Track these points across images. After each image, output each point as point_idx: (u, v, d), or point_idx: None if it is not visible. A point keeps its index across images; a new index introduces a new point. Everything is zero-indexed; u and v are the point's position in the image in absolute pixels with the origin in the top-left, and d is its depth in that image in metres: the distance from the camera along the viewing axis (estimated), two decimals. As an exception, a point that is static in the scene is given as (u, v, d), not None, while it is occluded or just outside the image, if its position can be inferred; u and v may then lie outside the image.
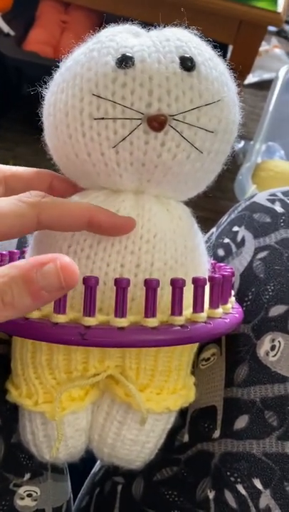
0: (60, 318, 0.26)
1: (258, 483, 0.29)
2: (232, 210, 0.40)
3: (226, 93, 0.28)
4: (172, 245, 0.28)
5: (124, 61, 0.26)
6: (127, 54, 0.27)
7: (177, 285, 0.27)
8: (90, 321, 0.26)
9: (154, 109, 0.26)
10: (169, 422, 0.32)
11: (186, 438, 0.33)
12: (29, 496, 0.34)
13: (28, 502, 0.34)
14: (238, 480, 0.30)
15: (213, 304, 0.28)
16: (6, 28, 1.03)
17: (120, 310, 0.26)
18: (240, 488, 0.30)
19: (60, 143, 0.29)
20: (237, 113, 0.30)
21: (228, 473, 0.30)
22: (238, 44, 0.97)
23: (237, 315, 0.30)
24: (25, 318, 0.27)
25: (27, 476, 0.35)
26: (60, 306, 0.26)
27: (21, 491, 0.34)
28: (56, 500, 0.36)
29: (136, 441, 0.31)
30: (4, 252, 0.34)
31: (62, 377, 0.30)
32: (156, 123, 0.26)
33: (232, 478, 0.30)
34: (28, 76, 1.01)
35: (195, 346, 0.32)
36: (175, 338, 0.27)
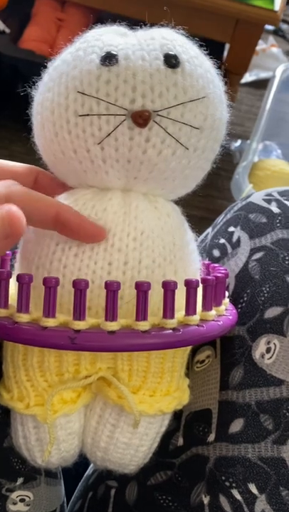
0: (50, 322, 0.26)
1: (253, 488, 0.29)
2: (228, 210, 0.39)
3: (211, 90, 0.28)
4: (160, 243, 0.28)
5: (108, 58, 0.27)
6: (112, 52, 0.27)
7: (169, 287, 0.26)
8: (80, 325, 0.25)
9: (138, 105, 0.26)
10: (163, 424, 0.32)
11: (180, 441, 0.33)
12: (22, 500, 0.34)
13: (20, 507, 0.34)
14: (233, 485, 0.29)
15: (207, 307, 0.28)
16: (2, 26, 1.03)
17: (111, 313, 0.26)
18: (235, 493, 0.29)
19: (47, 141, 0.29)
20: (224, 111, 0.30)
21: (223, 478, 0.30)
22: (235, 43, 0.96)
23: (231, 317, 0.30)
24: (14, 322, 0.26)
25: (20, 480, 0.34)
26: (49, 310, 0.26)
27: (14, 495, 0.34)
28: (49, 505, 0.36)
29: (129, 445, 0.31)
30: None
31: (54, 379, 0.30)
32: (141, 119, 0.26)
33: (227, 483, 0.30)
34: (23, 74, 1.01)
35: (188, 348, 0.32)
36: (167, 342, 0.26)
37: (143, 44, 0.28)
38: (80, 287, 0.26)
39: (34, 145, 0.31)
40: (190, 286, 0.27)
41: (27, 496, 0.34)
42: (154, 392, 0.30)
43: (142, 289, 0.26)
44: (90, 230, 0.27)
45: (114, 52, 0.27)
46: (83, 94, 0.27)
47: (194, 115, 0.27)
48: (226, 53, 1.02)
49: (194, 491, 0.31)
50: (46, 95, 0.29)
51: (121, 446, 0.31)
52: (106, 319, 0.26)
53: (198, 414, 0.32)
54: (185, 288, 0.27)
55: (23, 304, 0.26)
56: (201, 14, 0.92)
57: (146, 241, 0.28)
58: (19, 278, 0.26)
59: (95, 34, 0.29)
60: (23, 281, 0.26)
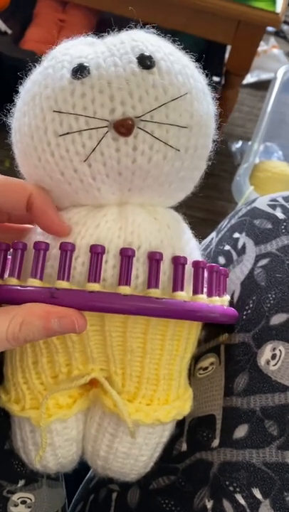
0: (35, 283, 0.26)
1: (257, 493, 0.29)
2: (232, 215, 0.39)
3: (192, 85, 0.27)
4: None
5: (79, 71, 0.26)
6: (82, 63, 0.26)
7: (154, 257, 0.26)
8: (63, 284, 0.26)
9: (118, 113, 0.25)
10: (163, 435, 0.32)
11: (184, 447, 0.33)
12: (23, 502, 0.34)
13: (21, 509, 0.34)
14: (237, 489, 0.29)
15: (196, 290, 0.28)
16: (3, 27, 1.02)
17: (93, 275, 0.26)
18: (239, 497, 0.29)
19: (31, 168, 0.28)
20: (210, 104, 0.29)
21: (227, 483, 0.30)
22: (237, 44, 0.96)
23: (225, 307, 0.30)
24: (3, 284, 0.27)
25: (21, 482, 0.34)
26: (36, 272, 0.26)
27: (15, 497, 0.34)
28: (51, 507, 0.36)
29: (129, 455, 0.31)
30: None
31: (49, 381, 0.30)
32: (123, 128, 0.25)
33: (231, 488, 0.30)
34: (24, 75, 1.00)
35: (186, 356, 0.31)
36: (145, 307, 0.26)
37: (113, 50, 0.26)
38: (66, 248, 0.26)
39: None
40: (177, 262, 0.27)
41: (28, 498, 0.34)
42: (150, 400, 0.30)
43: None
44: (54, 222, 0.27)
45: (85, 64, 0.26)
46: (60, 112, 0.26)
47: (179, 114, 0.26)
48: (227, 55, 1.02)
49: (198, 495, 0.31)
50: (22, 120, 0.27)
51: (120, 455, 0.31)
52: (89, 281, 0.26)
53: (202, 420, 0.32)
54: (172, 265, 0.27)
55: (14, 269, 0.27)
56: (203, 16, 0.92)
57: (143, 256, 0.27)
58: (14, 245, 0.27)
59: (61, 49, 0.28)
60: (18, 247, 0.27)
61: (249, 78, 1.36)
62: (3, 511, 0.33)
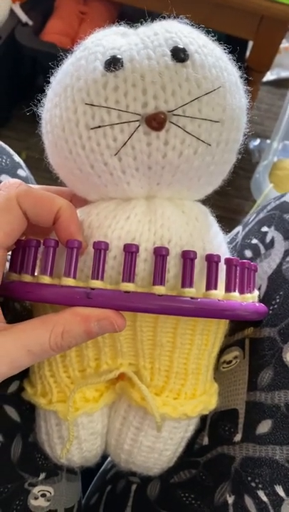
0: (69, 282, 0.25)
1: (280, 491, 0.28)
2: (260, 209, 0.38)
3: (226, 78, 0.27)
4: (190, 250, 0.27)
5: (113, 63, 0.25)
6: (115, 55, 0.25)
7: (188, 256, 0.26)
8: (97, 284, 0.25)
9: (150, 107, 0.25)
10: (188, 430, 0.31)
11: (205, 441, 0.33)
12: (43, 496, 0.34)
13: (41, 502, 0.34)
14: (260, 486, 0.29)
15: (229, 287, 0.27)
16: (24, 18, 1.02)
17: (127, 275, 0.25)
18: (261, 494, 0.29)
19: (62, 160, 0.28)
20: (243, 97, 0.28)
21: (249, 479, 0.29)
22: (259, 40, 0.95)
23: (257, 304, 0.29)
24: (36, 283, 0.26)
25: (42, 475, 0.34)
26: (70, 271, 0.26)
27: (36, 490, 0.34)
28: (68, 501, 0.36)
29: (153, 449, 0.30)
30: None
31: (76, 375, 0.30)
32: (156, 122, 0.25)
33: (253, 484, 0.29)
34: (43, 66, 1.00)
35: (214, 351, 0.31)
36: (180, 307, 0.25)
37: (147, 41, 0.26)
38: (99, 247, 0.25)
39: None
40: (211, 260, 0.26)
41: (48, 492, 0.34)
42: (178, 394, 0.29)
43: (160, 253, 0.25)
44: (73, 235, 0.26)
45: (118, 56, 0.25)
46: (92, 105, 0.25)
47: (212, 108, 0.26)
48: (248, 51, 1.01)
49: (218, 490, 0.31)
50: (54, 112, 0.27)
51: (145, 449, 0.30)
52: (123, 280, 0.25)
53: (225, 414, 0.32)
54: (206, 263, 0.26)
55: (46, 267, 0.26)
56: (224, 10, 0.91)
57: (175, 249, 0.26)
58: (45, 242, 0.26)
59: (94, 39, 0.27)
60: (50, 245, 0.26)
61: (269, 76, 1.35)
62: (24, 504, 0.33)
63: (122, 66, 0.25)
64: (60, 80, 0.28)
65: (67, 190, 0.30)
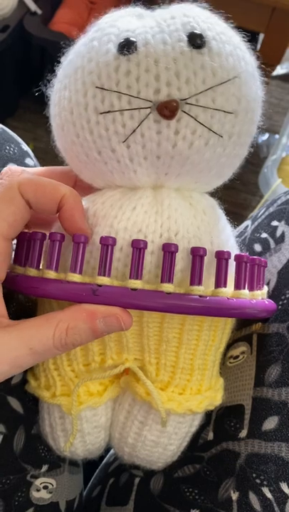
0: (75, 278, 0.25)
1: (285, 488, 0.28)
2: (270, 204, 0.38)
3: (243, 68, 0.25)
4: (197, 243, 0.26)
5: (126, 46, 0.24)
6: (129, 38, 0.24)
7: (197, 253, 0.25)
8: (104, 280, 0.24)
9: (163, 95, 0.24)
10: (193, 425, 0.31)
11: (210, 436, 0.32)
12: (45, 488, 0.34)
13: (43, 494, 0.34)
14: (265, 483, 0.29)
15: (239, 285, 0.26)
16: (33, 7, 1.01)
17: (135, 272, 0.25)
18: (266, 491, 0.29)
19: (68, 144, 0.27)
20: (259, 89, 0.27)
21: (254, 475, 0.29)
22: (270, 32, 0.93)
23: (267, 302, 0.28)
24: (42, 278, 0.26)
25: (44, 467, 0.34)
26: (75, 266, 0.25)
27: (38, 482, 0.34)
28: (70, 493, 0.36)
29: (157, 443, 0.30)
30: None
31: (81, 369, 0.29)
32: (167, 110, 0.24)
33: (258, 481, 0.29)
34: (52, 56, 1.00)
35: (221, 346, 0.30)
36: (189, 306, 0.24)
37: (163, 25, 0.25)
38: (106, 243, 0.25)
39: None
40: (220, 257, 0.26)
41: (50, 484, 0.34)
42: (183, 390, 0.29)
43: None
44: (77, 227, 0.26)
45: (132, 39, 0.24)
46: (102, 89, 0.24)
47: (226, 99, 0.25)
48: (259, 44, 1.00)
49: (223, 486, 0.30)
50: (63, 93, 0.26)
51: (149, 443, 0.30)
52: (130, 277, 0.24)
53: (230, 410, 0.32)
54: (216, 260, 0.26)
55: (52, 262, 0.25)
56: (235, 2, 0.89)
57: (182, 242, 0.26)
58: (51, 236, 0.26)
59: (109, 20, 0.26)
60: (55, 239, 0.26)
61: (278, 70, 1.33)
62: (26, 495, 0.33)
63: (135, 50, 0.24)
64: (71, 60, 0.27)
65: (73, 171, 0.30)
